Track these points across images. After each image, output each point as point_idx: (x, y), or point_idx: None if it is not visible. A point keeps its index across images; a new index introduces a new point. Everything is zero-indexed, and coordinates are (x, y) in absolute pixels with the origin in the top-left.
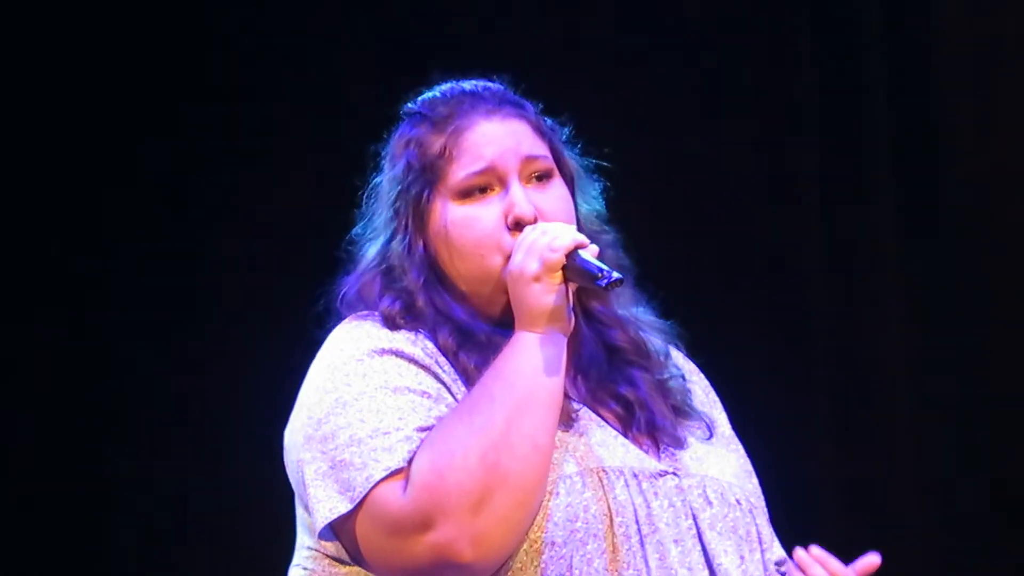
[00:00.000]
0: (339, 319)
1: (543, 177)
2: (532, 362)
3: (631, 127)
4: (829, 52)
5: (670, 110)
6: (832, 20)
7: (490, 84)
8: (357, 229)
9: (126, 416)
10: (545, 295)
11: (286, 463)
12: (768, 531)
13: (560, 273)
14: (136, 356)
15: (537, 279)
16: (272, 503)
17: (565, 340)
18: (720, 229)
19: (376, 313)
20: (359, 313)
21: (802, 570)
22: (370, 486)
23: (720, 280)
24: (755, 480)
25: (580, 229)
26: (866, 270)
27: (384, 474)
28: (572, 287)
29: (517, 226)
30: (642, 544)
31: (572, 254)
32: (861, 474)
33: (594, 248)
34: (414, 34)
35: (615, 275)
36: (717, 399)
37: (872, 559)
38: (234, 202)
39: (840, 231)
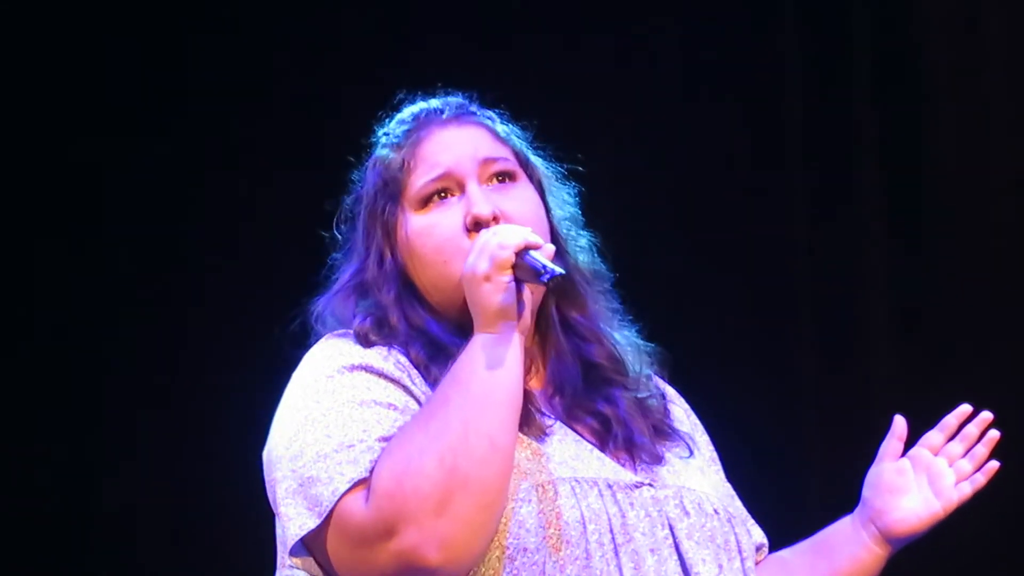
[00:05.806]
0: (317, 338)
1: (505, 177)
2: (486, 362)
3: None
4: (816, 56)
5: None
6: (819, 25)
7: (450, 98)
8: (335, 254)
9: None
10: (495, 294)
11: (265, 482)
12: (747, 540)
13: (510, 271)
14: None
15: (487, 278)
16: (253, 522)
17: (520, 338)
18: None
19: (350, 331)
20: (335, 332)
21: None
22: (336, 499)
23: (704, 290)
24: (738, 502)
25: (554, 233)
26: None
27: (348, 486)
28: (537, 291)
29: (476, 227)
30: (616, 553)
31: (522, 253)
32: (849, 481)
33: (549, 248)
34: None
35: (557, 270)
36: (698, 422)
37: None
38: (210, 214)
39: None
